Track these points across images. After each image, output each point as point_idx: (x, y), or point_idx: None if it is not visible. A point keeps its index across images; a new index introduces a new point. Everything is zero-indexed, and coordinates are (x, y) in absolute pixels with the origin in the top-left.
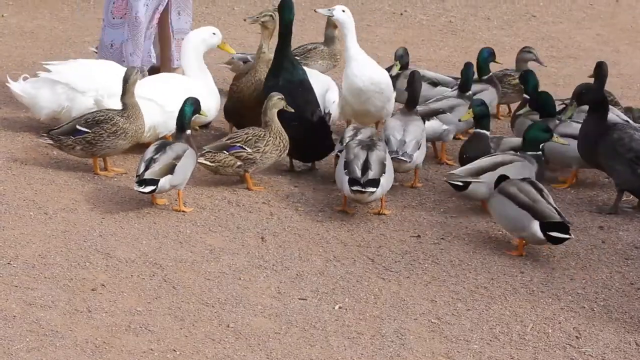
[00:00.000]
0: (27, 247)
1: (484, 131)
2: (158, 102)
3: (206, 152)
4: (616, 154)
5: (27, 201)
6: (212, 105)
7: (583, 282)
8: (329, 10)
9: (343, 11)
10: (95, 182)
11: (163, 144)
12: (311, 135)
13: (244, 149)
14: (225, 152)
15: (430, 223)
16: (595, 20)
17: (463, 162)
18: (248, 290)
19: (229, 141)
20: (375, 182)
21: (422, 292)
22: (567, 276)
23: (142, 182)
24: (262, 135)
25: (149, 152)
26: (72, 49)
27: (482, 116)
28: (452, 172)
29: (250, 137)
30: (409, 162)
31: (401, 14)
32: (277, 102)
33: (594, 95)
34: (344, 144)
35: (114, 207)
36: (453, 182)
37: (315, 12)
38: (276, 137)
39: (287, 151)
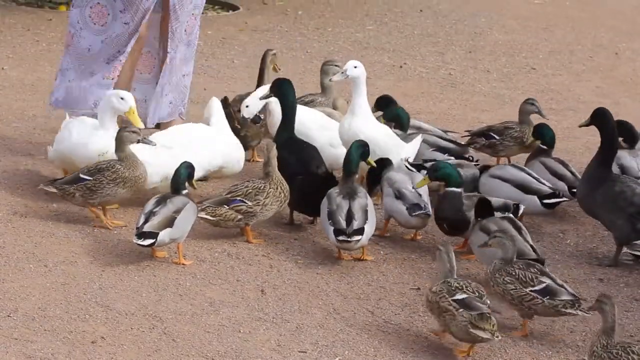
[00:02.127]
0: (27, 299)
1: (455, 189)
2: (177, 152)
3: (207, 206)
4: (616, 208)
5: (27, 254)
6: (238, 156)
7: (583, 334)
8: (342, 74)
9: (355, 67)
10: (95, 234)
11: (164, 197)
12: (318, 191)
13: (245, 202)
14: (225, 206)
15: (429, 275)
16: (595, 72)
17: (441, 225)
18: (248, 343)
19: (229, 195)
20: (360, 231)
21: (422, 345)
22: (567, 328)
23: (141, 235)
24: (262, 188)
25: (149, 205)
26: None
27: (446, 177)
28: (635, 242)
29: (250, 190)
30: (431, 215)
31: (401, 67)
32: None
33: (608, 122)
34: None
35: (114, 259)
36: (635, 253)
37: (331, 81)
38: (276, 188)
39: (287, 201)
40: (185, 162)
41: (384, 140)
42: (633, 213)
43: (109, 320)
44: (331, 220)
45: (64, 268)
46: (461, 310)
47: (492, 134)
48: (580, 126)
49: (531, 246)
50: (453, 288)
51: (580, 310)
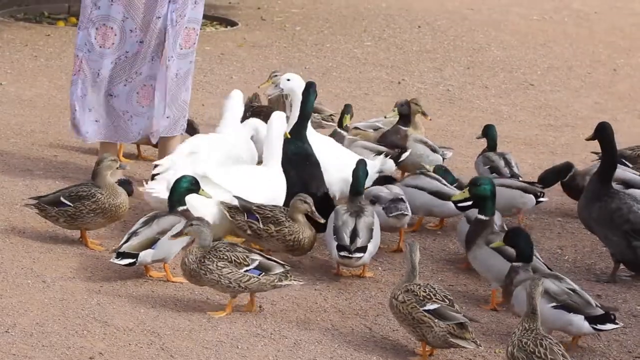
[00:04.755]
0: (25, 315)
1: (484, 217)
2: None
3: (232, 203)
4: (612, 224)
5: (25, 269)
6: (280, 201)
7: (580, 350)
8: (276, 86)
9: (288, 80)
10: (93, 250)
11: (153, 216)
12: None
13: (257, 223)
14: (245, 214)
15: None
16: (593, 88)
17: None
18: (246, 359)
19: (254, 207)
20: (362, 249)
21: None
22: (566, 336)
23: (119, 254)
24: (281, 222)
25: (136, 225)
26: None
27: (482, 198)
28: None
29: (270, 216)
30: (408, 214)
31: (399, 83)
32: (300, 205)
33: (608, 137)
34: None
35: (112, 275)
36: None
37: (269, 96)
38: (291, 234)
39: (294, 249)
40: (186, 175)
41: (324, 155)
42: (628, 230)
43: (107, 336)
44: (336, 235)
45: (62, 284)
46: (437, 321)
47: (623, 160)
48: (587, 139)
49: (543, 263)
50: (421, 298)
51: (294, 280)
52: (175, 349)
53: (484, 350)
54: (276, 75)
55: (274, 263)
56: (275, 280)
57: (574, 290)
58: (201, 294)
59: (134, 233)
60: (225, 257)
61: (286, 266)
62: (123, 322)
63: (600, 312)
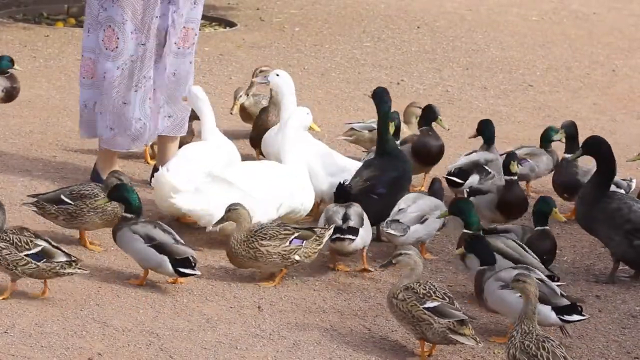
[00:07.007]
0: (24, 315)
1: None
2: (243, 188)
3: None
4: (613, 224)
5: None
6: (306, 199)
7: (579, 351)
8: (265, 77)
9: (277, 75)
10: (91, 251)
11: (155, 225)
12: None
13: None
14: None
15: None
16: (592, 89)
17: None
18: None
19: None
20: (354, 231)
21: None
22: (564, 345)
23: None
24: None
25: (167, 236)
26: (69, 118)
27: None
28: None
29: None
30: (399, 235)
31: (398, 84)
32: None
33: (604, 149)
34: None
35: (111, 276)
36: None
37: (252, 81)
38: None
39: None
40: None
41: (311, 157)
42: (630, 230)
43: (106, 337)
44: (328, 224)
45: (61, 284)
46: (437, 318)
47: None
48: (471, 137)
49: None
50: (421, 295)
51: (78, 269)
52: (174, 350)
53: (483, 351)
54: (262, 71)
55: (59, 251)
56: (58, 268)
57: (541, 281)
58: (200, 294)
59: (165, 245)
60: (8, 239)
61: (72, 257)
62: (122, 322)
63: (567, 302)
